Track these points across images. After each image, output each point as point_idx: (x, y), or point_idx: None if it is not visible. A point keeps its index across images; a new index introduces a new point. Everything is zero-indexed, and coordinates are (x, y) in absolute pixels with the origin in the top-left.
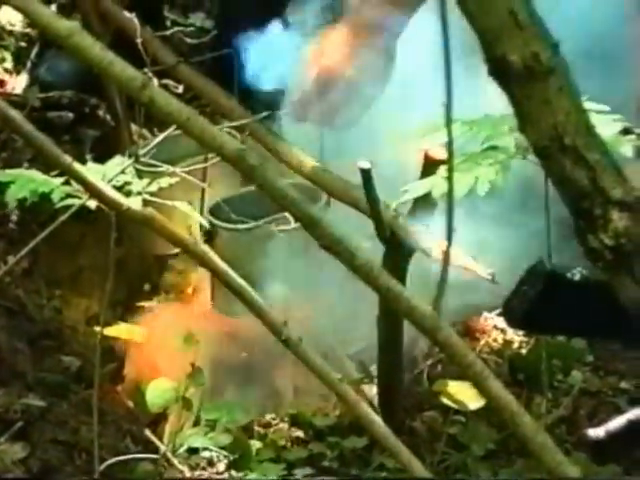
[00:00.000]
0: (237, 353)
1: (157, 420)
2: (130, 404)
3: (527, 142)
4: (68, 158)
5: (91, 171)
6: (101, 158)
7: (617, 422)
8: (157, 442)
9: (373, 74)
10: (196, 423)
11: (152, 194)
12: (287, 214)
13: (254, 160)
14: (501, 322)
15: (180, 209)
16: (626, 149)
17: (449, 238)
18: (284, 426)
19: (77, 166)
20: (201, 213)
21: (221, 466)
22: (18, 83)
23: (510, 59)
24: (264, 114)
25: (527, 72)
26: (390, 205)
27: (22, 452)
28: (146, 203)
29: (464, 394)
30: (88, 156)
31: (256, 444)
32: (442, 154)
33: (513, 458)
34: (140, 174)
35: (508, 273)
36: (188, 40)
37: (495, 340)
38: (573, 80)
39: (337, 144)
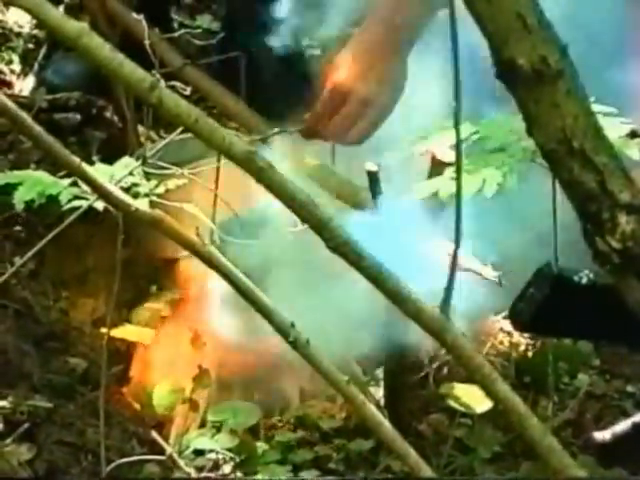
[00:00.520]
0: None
1: (163, 422)
2: (136, 406)
3: (535, 145)
4: (77, 159)
5: (99, 172)
6: (108, 160)
7: (623, 425)
8: (163, 444)
9: (386, 90)
10: (202, 425)
11: (160, 196)
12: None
13: (263, 162)
14: (507, 325)
15: (189, 212)
16: (633, 152)
17: (457, 240)
18: (290, 428)
19: (86, 167)
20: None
21: (227, 468)
22: (25, 85)
23: (518, 62)
24: (277, 130)
25: (535, 75)
26: None
27: (28, 453)
28: (153, 205)
29: (471, 397)
30: (95, 158)
31: (262, 446)
32: (449, 156)
33: (519, 461)
34: (148, 176)
35: (515, 276)
36: (195, 42)
37: (501, 343)
38: (581, 83)
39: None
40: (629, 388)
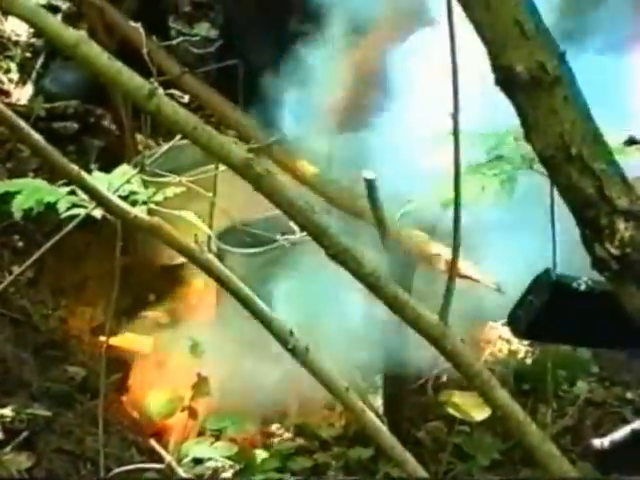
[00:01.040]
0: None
1: (162, 430)
2: (135, 414)
3: (533, 151)
4: (75, 167)
5: (97, 180)
6: (106, 168)
7: (622, 432)
8: (162, 452)
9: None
10: (201, 433)
11: (158, 204)
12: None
13: (261, 169)
14: (506, 332)
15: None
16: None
17: (456, 248)
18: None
19: (84, 175)
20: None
21: (226, 476)
22: (23, 93)
23: (516, 69)
24: (275, 138)
25: (533, 82)
26: (395, 215)
27: (27, 462)
28: (152, 212)
29: (469, 404)
30: (93, 166)
31: (261, 454)
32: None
33: (518, 468)
34: (146, 184)
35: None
36: (193, 50)
37: (500, 350)
38: (579, 89)
39: (347, 154)
40: (628, 395)
